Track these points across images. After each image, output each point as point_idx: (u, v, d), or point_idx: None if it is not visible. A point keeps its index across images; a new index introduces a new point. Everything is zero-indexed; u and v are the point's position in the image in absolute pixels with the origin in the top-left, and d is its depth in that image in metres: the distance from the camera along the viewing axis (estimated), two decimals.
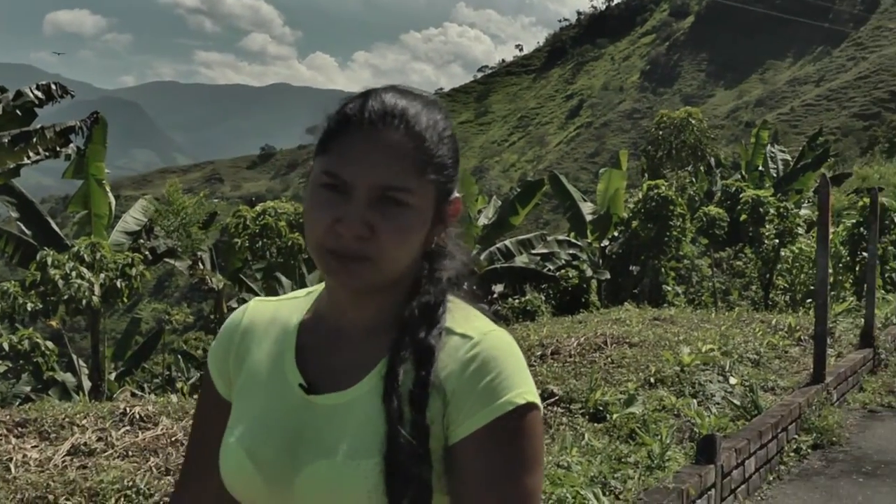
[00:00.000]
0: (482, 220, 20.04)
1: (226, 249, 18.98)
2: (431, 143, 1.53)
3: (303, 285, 18.48)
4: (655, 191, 17.38)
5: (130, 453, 5.15)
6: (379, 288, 1.56)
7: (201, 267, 18.09)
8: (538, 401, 1.53)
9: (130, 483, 4.66)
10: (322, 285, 1.69)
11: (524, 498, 1.48)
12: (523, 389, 1.51)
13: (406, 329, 1.55)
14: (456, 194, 1.62)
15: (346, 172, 1.50)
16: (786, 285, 18.59)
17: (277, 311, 1.71)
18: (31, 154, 16.35)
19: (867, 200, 14.95)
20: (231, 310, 20.61)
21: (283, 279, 18.14)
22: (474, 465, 1.47)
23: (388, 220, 1.49)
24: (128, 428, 5.49)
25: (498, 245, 19.92)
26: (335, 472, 1.50)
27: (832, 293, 19.85)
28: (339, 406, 1.55)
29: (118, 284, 15.19)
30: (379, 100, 1.54)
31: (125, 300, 15.98)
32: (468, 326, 1.57)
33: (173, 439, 5.35)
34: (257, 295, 19.58)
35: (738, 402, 8.11)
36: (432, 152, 1.53)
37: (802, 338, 11.70)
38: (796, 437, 8.11)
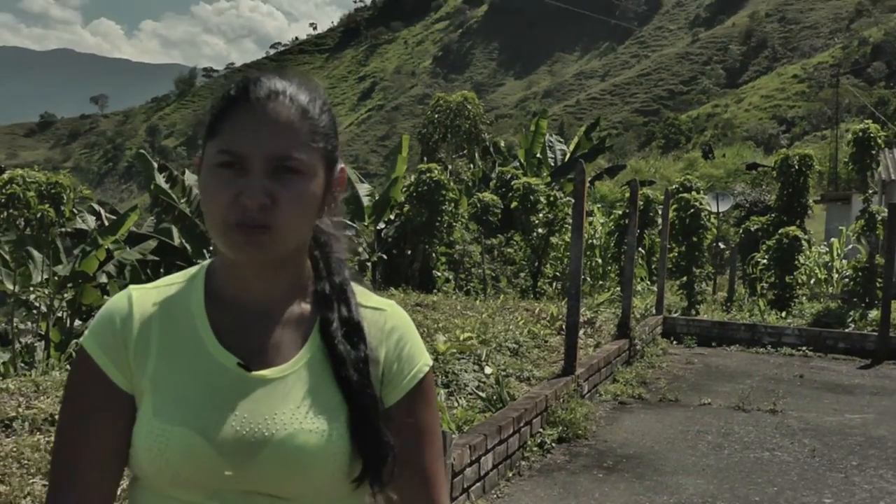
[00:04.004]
0: None
1: None
2: (314, 114, 1.64)
3: (57, 261, 17.44)
4: (428, 175, 17.16)
5: None
6: (281, 261, 1.66)
7: None
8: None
9: None
10: (198, 268, 1.76)
11: (440, 439, 1.79)
12: (426, 353, 1.78)
13: (328, 306, 1.70)
14: (340, 164, 1.73)
15: (241, 148, 1.58)
16: (556, 274, 18.78)
17: (166, 296, 1.73)
18: None
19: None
20: None
21: (35, 253, 17.05)
22: (410, 420, 1.71)
23: (287, 188, 1.58)
24: None
25: None
26: (304, 439, 1.59)
27: (599, 283, 20.22)
28: (280, 380, 1.64)
29: None
30: (260, 80, 1.64)
31: None
32: (372, 300, 1.78)
33: None
34: (7, 268, 18.36)
35: (484, 395, 7.89)
36: (317, 122, 1.64)
37: (564, 327, 11.65)
38: (541, 430, 7.95)
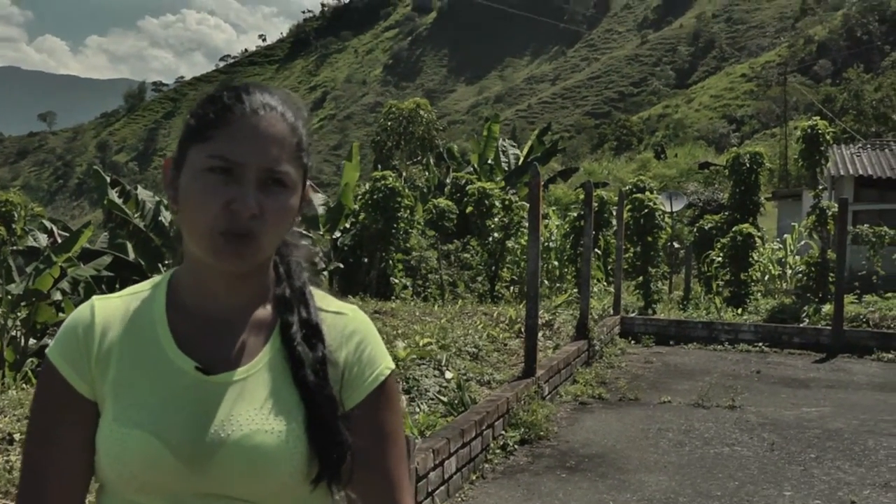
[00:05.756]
0: None
1: None
2: (301, 130, 1.69)
3: (10, 279, 17.22)
4: (382, 182, 17.16)
5: None
6: (256, 270, 1.69)
7: None
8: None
9: None
10: (161, 277, 1.78)
11: (403, 442, 1.78)
12: (387, 357, 1.79)
13: (287, 310, 1.71)
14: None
15: (237, 155, 1.59)
16: (513, 278, 18.81)
17: (128, 306, 1.74)
18: None
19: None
20: None
21: None
22: (371, 423, 1.71)
23: (273, 200, 1.61)
24: None
25: None
26: (260, 440, 1.60)
27: (556, 285, 20.28)
28: (238, 383, 1.65)
29: None
30: (253, 91, 1.67)
31: None
32: (333, 305, 1.79)
33: None
34: None
35: (445, 399, 7.90)
36: (303, 139, 1.69)
37: (522, 330, 11.69)
38: (503, 432, 7.97)
